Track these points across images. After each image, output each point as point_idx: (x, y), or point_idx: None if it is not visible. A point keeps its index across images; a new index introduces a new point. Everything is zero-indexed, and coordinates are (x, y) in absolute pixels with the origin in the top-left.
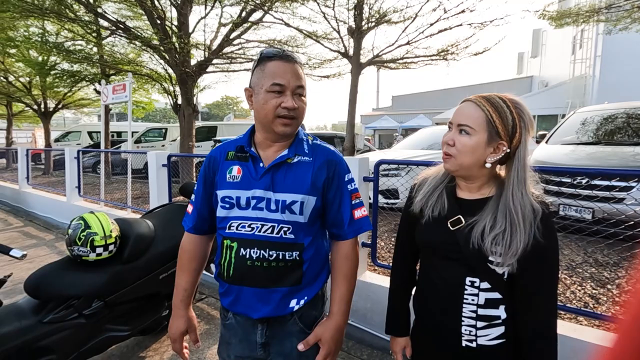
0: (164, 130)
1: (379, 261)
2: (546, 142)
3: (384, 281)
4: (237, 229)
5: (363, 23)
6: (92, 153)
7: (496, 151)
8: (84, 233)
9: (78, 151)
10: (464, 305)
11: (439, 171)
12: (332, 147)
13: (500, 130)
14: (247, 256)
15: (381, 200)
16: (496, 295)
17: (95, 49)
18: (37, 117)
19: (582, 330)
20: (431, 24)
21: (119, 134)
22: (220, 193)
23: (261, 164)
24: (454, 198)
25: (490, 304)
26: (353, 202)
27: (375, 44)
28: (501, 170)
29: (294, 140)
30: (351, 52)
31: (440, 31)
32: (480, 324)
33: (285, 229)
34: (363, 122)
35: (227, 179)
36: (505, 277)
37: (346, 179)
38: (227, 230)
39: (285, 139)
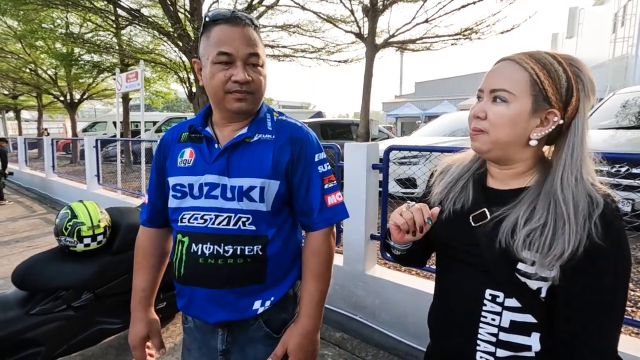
0: (184, 119)
1: (389, 255)
2: None
3: (395, 276)
4: (189, 221)
5: (378, 0)
6: (117, 143)
7: (544, 123)
8: (71, 223)
9: (96, 140)
10: (481, 325)
11: (466, 157)
12: (299, 123)
13: (551, 94)
14: (199, 252)
15: (398, 189)
16: (528, 318)
17: (114, 39)
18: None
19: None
20: None
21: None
22: (172, 180)
23: (216, 146)
24: (482, 187)
25: (517, 328)
26: (325, 187)
27: (392, 25)
28: (548, 153)
29: (255, 117)
30: (366, 33)
31: (463, 6)
32: (501, 352)
33: (244, 219)
34: (385, 109)
35: (178, 163)
36: (543, 295)
37: (316, 160)
38: (179, 223)
39: (244, 116)
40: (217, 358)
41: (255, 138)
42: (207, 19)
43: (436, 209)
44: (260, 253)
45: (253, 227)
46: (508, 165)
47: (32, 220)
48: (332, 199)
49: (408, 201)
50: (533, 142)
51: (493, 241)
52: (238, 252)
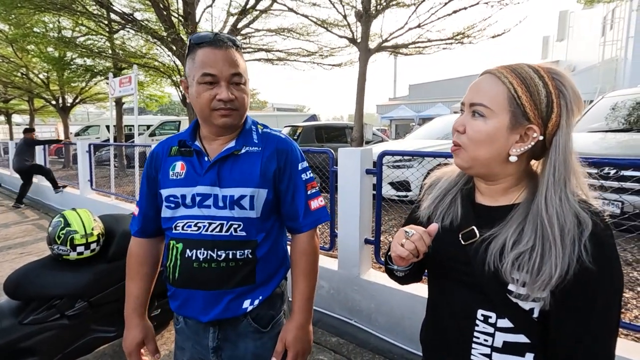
0: (178, 123)
1: (383, 259)
2: None
3: (390, 280)
4: (183, 228)
5: (371, 6)
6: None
7: (524, 139)
8: (64, 231)
9: (89, 145)
10: (474, 346)
11: (454, 171)
12: (283, 135)
13: (529, 110)
14: (194, 257)
15: (392, 192)
16: (521, 338)
17: (107, 43)
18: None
19: None
20: (444, 4)
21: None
22: (164, 192)
23: (206, 158)
24: (471, 204)
25: (510, 348)
26: (308, 193)
27: (385, 29)
28: (536, 167)
29: (241, 131)
30: (359, 38)
31: (455, 11)
32: None
33: (236, 226)
34: (379, 111)
35: (170, 176)
36: (535, 315)
37: (300, 168)
38: (173, 231)
39: (230, 131)
40: (209, 355)
41: (243, 150)
42: (191, 41)
43: (435, 226)
44: (251, 256)
45: (244, 233)
46: (493, 180)
47: (25, 226)
48: (315, 204)
49: (406, 230)
50: (512, 158)
51: (483, 263)
52: (230, 256)
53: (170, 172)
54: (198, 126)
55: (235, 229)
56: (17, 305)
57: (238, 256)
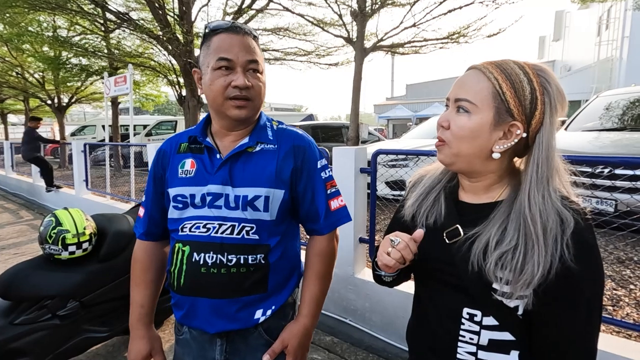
0: (174, 123)
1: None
2: (565, 129)
3: None
4: (190, 230)
5: (367, 5)
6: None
7: (507, 136)
8: (55, 231)
9: (85, 144)
10: (460, 344)
11: (438, 168)
12: (300, 131)
13: (513, 107)
14: (202, 262)
15: (388, 191)
16: (506, 336)
17: (103, 43)
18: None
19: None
20: (439, 3)
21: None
22: (172, 191)
23: (218, 156)
24: (454, 202)
25: (496, 346)
26: (328, 192)
27: (380, 29)
28: (520, 164)
29: (255, 127)
30: (355, 37)
31: (450, 11)
32: None
33: (248, 228)
34: (376, 111)
35: (179, 174)
36: (520, 312)
37: (319, 166)
38: (180, 233)
39: (243, 125)
40: None
41: (258, 148)
42: (207, 30)
43: (420, 232)
44: (263, 262)
45: (256, 236)
46: (476, 177)
47: (19, 227)
48: (335, 204)
49: (391, 238)
50: (496, 155)
51: (467, 262)
52: (241, 261)
53: (179, 170)
54: (209, 122)
55: (247, 232)
56: (8, 305)
57: (250, 261)
